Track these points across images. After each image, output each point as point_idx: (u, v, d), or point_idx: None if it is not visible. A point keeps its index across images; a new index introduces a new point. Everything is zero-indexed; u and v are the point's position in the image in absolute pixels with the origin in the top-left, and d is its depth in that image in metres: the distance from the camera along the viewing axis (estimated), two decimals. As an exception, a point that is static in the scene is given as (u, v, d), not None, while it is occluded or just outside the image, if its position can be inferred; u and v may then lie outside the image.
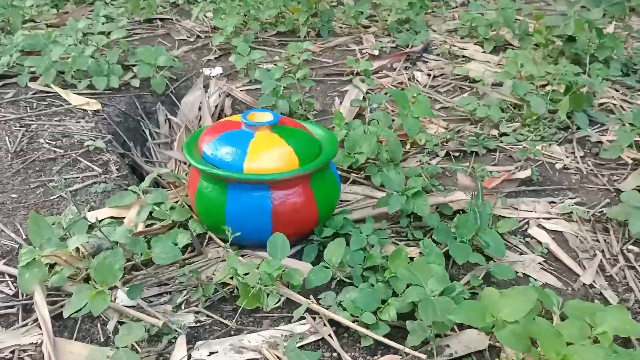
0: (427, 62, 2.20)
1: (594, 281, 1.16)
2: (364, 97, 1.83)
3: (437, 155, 1.59)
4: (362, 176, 1.46)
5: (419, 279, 0.94)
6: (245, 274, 1.02)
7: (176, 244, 1.15)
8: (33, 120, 1.70)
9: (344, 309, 1.01)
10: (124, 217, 1.28)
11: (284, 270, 1.04)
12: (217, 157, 1.13)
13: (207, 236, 1.22)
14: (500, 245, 1.15)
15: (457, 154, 1.59)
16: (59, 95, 1.85)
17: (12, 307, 1.03)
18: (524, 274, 1.17)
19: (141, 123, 1.91)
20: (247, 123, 1.16)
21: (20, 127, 1.66)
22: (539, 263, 1.19)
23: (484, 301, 0.86)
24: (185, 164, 1.78)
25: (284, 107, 1.74)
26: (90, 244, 1.14)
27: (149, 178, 1.34)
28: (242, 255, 1.15)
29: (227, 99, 1.98)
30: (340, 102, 1.89)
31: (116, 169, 1.50)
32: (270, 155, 1.12)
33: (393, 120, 1.60)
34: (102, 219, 1.25)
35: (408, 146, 1.61)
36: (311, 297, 1.06)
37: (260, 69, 1.82)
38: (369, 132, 1.38)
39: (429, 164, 1.53)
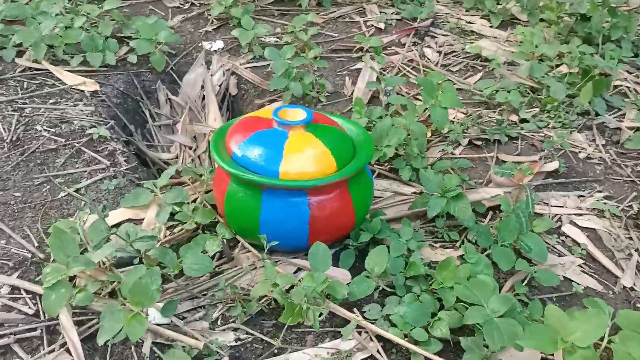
0: (436, 37, 2.11)
1: (634, 284, 1.14)
2: (378, 78, 1.75)
3: (460, 144, 1.54)
4: (387, 168, 1.40)
5: (478, 297, 0.89)
6: (288, 289, 0.96)
7: (205, 251, 1.08)
8: (26, 103, 1.57)
9: (392, 324, 0.97)
10: (142, 219, 1.19)
11: (327, 284, 0.98)
12: (249, 159, 1.05)
13: (236, 240, 1.15)
14: (542, 248, 1.12)
15: (479, 143, 1.54)
16: (51, 73, 1.71)
17: (34, 329, 0.95)
18: (564, 277, 1.14)
19: (141, 103, 1.79)
20: (280, 122, 1.07)
21: (13, 111, 1.53)
22: (579, 265, 1.17)
23: (551, 323, 0.83)
24: (190, 148, 1.69)
25: (297, 90, 1.64)
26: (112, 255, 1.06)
27: (166, 175, 1.25)
28: (276, 262, 1.09)
29: (231, 77, 1.87)
30: (352, 83, 1.80)
31: (124, 160, 1.40)
32: (306, 158, 1.04)
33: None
34: (119, 222, 1.17)
35: (429, 134, 1.55)
36: (355, 310, 1.01)
37: (270, 48, 1.71)
38: (396, 124, 1.31)
39: (452, 154, 1.48)
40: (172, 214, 1.19)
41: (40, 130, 1.46)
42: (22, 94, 1.61)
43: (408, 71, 1.88)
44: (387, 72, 1.86)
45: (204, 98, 1.84)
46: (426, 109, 1.45)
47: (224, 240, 1.08)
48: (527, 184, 1.28)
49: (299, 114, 1.12)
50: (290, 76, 1.65)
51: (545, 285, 1.09)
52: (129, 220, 1.18)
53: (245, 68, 1.87)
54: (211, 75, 1.87)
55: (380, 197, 1.29)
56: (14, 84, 1.66)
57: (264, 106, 1.73)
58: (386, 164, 1.40)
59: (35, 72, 1.72)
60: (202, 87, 1.86)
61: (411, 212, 1.22)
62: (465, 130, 1.57)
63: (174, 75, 1.88)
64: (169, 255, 1.01)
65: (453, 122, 1.58)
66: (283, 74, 1.64)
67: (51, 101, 1.59)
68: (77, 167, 1.34)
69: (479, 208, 1.26)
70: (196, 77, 1.87)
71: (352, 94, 1.75)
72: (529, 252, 1.11)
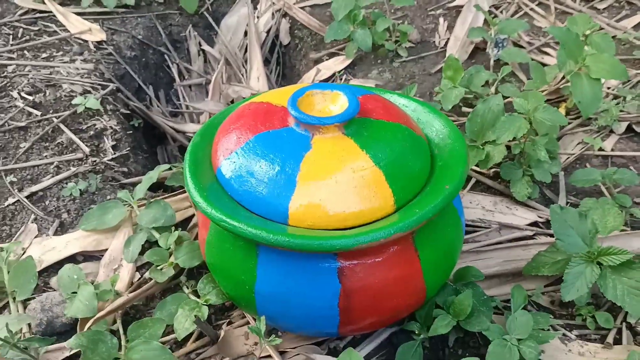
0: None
1: None
2: (486, 22, 1.20)
3: (612, 132, 0.98)
4: (490, 174, 0.90)
5: None
6: None
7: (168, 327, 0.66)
8: (13, 59, 1.21)
9: None
10: (104, 251, 0.80)
11: None
12: (241, 185, 0.60)
13: (232, 303, 0.73)
14: None
15: (644, 130, 0.97)
16: (55, 17, 1.34)
17: None
18: None
19: (166, 56, 1.38)
20: (299, 117, 0.61)
21: (-8, 70, 1.18)
22: None
23: None
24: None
25: (364, 42, 1.14)
26: (37, 319, 0.68)
27: (147, 181, 0.84)
28: (283, 353, 0.66)
29: (283, 20, 1.39)
30: (448, 28, 1.26)
31: (112, 146, 1.00)
32: (339, 187, 0.58)
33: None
34: (67, 257, 0.79)
35: (562, 111, 1.00)
36: None
37: (329, -21, 1.21)
38: (515, 108, 0.78)
39: (602, 149, 0.93)
40: (151, 243, 0.79)
41: (16, 99, 1.09)
42: (12, 44, 1.25)
43: (532, 9, 1.29)
44: (501, 11, 1.29)
45: (247, 49, 1.39)
46: (563, 77, 0.90)
47: (201, 318, 0.65)
48: None
49: (334, 99, 0.64)
50: (357, 20, 1.15)
51: None
52: (81, 254, 0.80)
53: (301, 8, 1.38)
54: (257, 17, 1.40)
55: (472, 230, 0.80)
56: (9, 31, 1.30)
57: (322, 62, 1.25)
58: (490, 170, 0.89)
59: (38, 14, 1.35)
60: (246, 34, 1.41)
61: (517, 265, 0.72)
62: (621, 110, 1.00)
63: (210, 19, 1.43)
64: (102, 343, 0.61)
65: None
66: (345, 17, 1.14)
67: (44, 55, 1.22)
68: (45, 156, 0.97)
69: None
70: (238, 21, 1.42)
71: (446, 44, 1.22)
72: None
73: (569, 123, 0.99)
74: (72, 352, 0.65)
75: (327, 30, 1.17)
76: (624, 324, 0.68)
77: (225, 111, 0.73)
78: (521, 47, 1.19)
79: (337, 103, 0.64)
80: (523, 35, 1.22)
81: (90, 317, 0.67)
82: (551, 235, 0.78)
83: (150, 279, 0.74)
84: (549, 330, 0.66)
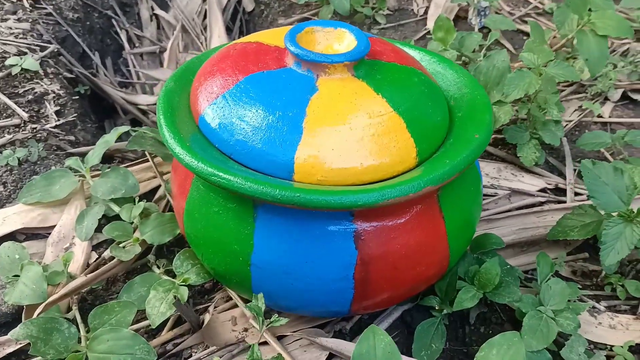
0: None
1: None
2: (467, -11, 1.13)
3: (607, 99, 0.93)
4: (493, 140, 0.82)
5: None
6: None
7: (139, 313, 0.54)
8: None
9: None
10: (51, 228, 0.66)
11: None
12: (232, 134, 0.49)
13: (213, 282, 0.62)
14: None
15: (639, 98, 0.93)
16: (-19, -28, 1.16)
17: None
18: None
19: (114, 21, 1.23)
20: (301, 55, 0.50)
21: None
22: None
23: None
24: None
25: (341, 4, 1.05)
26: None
27: (102, 146, 0.71)
28: (282, 338, 0.55)
29: (245, -15, 1.28)
30: (427, -4, 1.18)
31: (55, 112, 0.86)
32: (354, 134, 0.48)
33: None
34: (14, 231, 0.65)
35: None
36: None
37: (301, -64, 1.11)
38: (524, 62, 0.71)
39: (600, 116, 0.88)
40: (106, 218, 0.67)
41: (-64, 59, 0.93)
42: None
43: (510, -20, 1.24)
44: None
45: (206, 15, 1.26)
46: (565, 37, 0.84)
47: (180, 300, 0.53)
48: None
49: (339, 38, 0.54)
50: (332, -19, 1.05)
51: None
52: (24, 230, 0.66)
53: (267, -29, 1.27)
54: (217, -19, 1.28)
55: (486, 197, 0.72)
56: None
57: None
58: (494, 135, 0.82)
59: (-39, -30, 1.17)
60: (204, -1, 1.28)
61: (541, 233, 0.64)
62: (611, 76, 0.95)
63: (164, -19, 1.30)
64: (59, 334, 0.48)
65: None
66: (320, -24, 1.05)
67: (-31, 13, 1.05)
68: (-27, 123, 0.82)
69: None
70: (195, -16, 1.29)
71: (425, 12, 1.15)
72: None
73: (563, 90, 0.94)
74: (18, 346, 0.52)
75: (300, -9, 1.07)
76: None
77: (201, 55, 0.61)
78: (502, 15, 1.13)
79: (342, 42, 0.54)
80: (504, 4, 1.16)
81: (38, 304, 0.54)
82: (563, 202, 0.72)
83: (112, 258, 0.61)
84: (575, 301, 0.59)
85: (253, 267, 0.50)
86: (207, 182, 0.46)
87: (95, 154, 0.70)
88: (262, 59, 0.54)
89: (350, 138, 0.48)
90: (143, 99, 1.12)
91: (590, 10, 0.81)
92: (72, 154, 0.79)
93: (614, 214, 0.55)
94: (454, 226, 0.52)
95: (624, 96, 0.93)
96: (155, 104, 1.11)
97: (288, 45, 0.51)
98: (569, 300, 0.56)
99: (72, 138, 0.83)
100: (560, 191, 0.75)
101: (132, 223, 0.64)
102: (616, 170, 0.56)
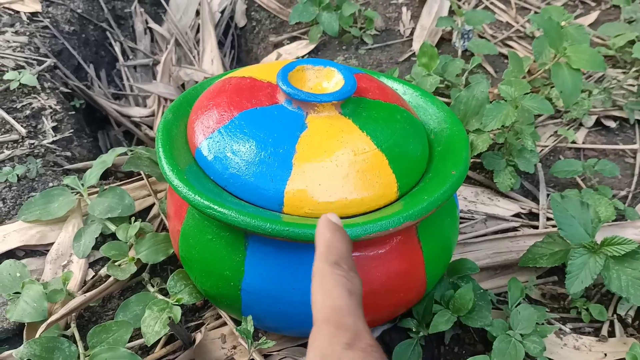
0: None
1: None
2: (452, 11, 1.18)
3: (581, 125, 0.98)
4: (471, 165, 0.87)
5: None
6: None
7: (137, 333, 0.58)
8: None
9: None
10: (50, 246, 0.69)
11: None
12: (226, 167, 0.53)
13: (205, 302, 0.66)
14: None
15: (612, 124, 0.98)
16: (-22, -17, 1.18)
17: None
18: None
19: (108, 33, 1.26)
20: (292, 94, 0.54)
21: None
22: None
23: None
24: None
25: (330, 26, 1.09)
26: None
27: (100, 166, 0.74)
28: (268, 356, 0.59)
29: (239, 0, 1.31)
30: (413, 17, 1.23)
31: (53, 127, 0.89)
32: (339, 171, 0.52)
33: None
34: (6, 252, 0.68)
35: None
36: None
37: (293, -42, 1.14)
38: (504, 99, 0.76)
39: (574, 142, 0.93)
40: (103, 236, 0.70)
41: None
42: None
43: (492, 3, 1.29)
44: (464, 3, 1.27)
45: (199, 29, 1.29)
46: (541, 68, 0.89)
47: (174, 320, 0.57)
48: None
49: (328, 76, 0.58)
50: (322, 3, 1.09)
51: None
52: (24, 247, 0.69)
53: (259, -12, 1.30)
54: (210, -4, 1.31)
55: (462, 220, 0.76)
56: None
57: (282, 46, 1.18)
58: (473, 159, 0.86)
59: (-42, -20, 1.19)
60: (198, 13, 1.31)
61: (512, 259, 0.69)
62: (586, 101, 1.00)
63: (158, -5, 1.33)
64: (61, 352, 0.51)
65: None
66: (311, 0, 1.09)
67: (-33, 25, 1.07)
68: (-28, 138, 0.84)
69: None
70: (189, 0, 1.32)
71: (411, 33, 1.19)
72: None
73: (540, 115, 0.98)
74: (19, 364, 0.56)
75: (292, 12, 1.10)
76: (615, 315, 0.66)
77: (197, 87, 0.65)
78: (485, 38, 1.18)
79: (330, 80, 0.58)
80: (487, 28, 1.21)
81: (39, 322, 0.57)
82: (536, 227, 0.76)
83: (108, 276, 0.64)
84: (543, 324, 0.63)
85: (243, 292, 0.54)
86: (203, 213, 0.50)
87: (93, 173, 0.73)
88: (255, 95, 0.57)
89: (336, 174, 0.52)
90: (136, 112, 1.15)
91: (566, 43, 0.85)
92: (69, 170, 0.82)
93: (579, 245, 0.60)
94: (431, 254, 0.57)
95: (598, 122, 0.98)
96: (147, 116, 1.14)
97: (280, 84, 0.55)
98: (537, 324, 0.60)
99: (68, 154, 0.86)
100: (533, 215, 0.79)
101: (127, 242, 0.67)
102: (582, 205, 0.60)
